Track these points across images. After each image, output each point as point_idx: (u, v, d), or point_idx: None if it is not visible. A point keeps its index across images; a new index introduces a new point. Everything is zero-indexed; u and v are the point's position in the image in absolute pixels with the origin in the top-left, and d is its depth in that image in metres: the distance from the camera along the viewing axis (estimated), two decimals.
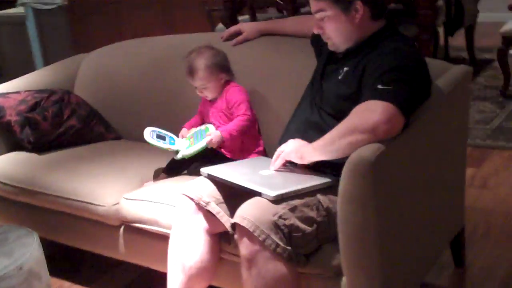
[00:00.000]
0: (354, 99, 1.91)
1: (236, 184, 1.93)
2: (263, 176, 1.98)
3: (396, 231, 1.89)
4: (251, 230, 1.77)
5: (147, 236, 2.30)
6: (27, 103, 2.84)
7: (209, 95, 2.41)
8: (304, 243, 1.83)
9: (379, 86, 1.80)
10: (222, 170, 2.05)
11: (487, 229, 2.72)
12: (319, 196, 1.90)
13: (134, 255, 2.40)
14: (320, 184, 1.92)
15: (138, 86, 2.95)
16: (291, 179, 1.97)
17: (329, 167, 1.96)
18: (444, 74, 2.21)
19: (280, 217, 1.79)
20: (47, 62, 5.40)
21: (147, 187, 2.37)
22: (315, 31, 2.12)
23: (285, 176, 1.99)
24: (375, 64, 1.90)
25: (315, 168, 2.00)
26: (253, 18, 4.73)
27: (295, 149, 1.95)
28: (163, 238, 2.18)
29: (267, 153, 2.41)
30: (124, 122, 2.98)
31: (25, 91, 2.92)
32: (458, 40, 5.37)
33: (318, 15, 2.05)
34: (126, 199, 2.32)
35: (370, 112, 1.76)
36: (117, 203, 2.35)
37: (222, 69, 2.40)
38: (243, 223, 1.78)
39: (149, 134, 2.37)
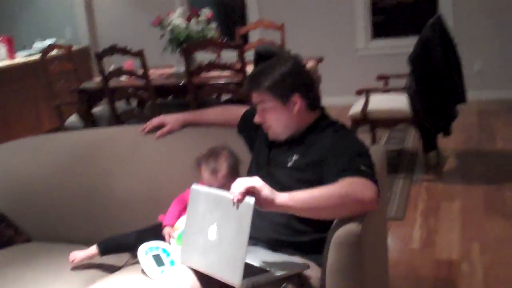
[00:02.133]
0: (312, 182, 2.07)
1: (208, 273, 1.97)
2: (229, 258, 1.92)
3: None
4: None
5: None
6: None
7: None
8: None
9: (363, 168, 2.00)
10: (194, 258, 2.05)
11: None
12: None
13: None
14: (294, 270, 2.02)
15: (45, 184, 2.84)
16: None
17: (295, 247, 2.11)
18: None
19: None
20: None
21: (100, 284, 2.29)
22: (257, 121, 2.29)
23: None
24: (339, 147, 2.12)
25: (277, 248, 2.13)
26: (112, 110, 4.76)
27: (267, 186, 1.89)
28: None
29: None
30: (32, 223, 2.84)
31: None
32: None
33: (259, 106, 2.25)
34: None
35: (366, 188, 1.96)
36: None
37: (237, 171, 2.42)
38: None
39: (144, 253, 2.31)
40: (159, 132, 2.74)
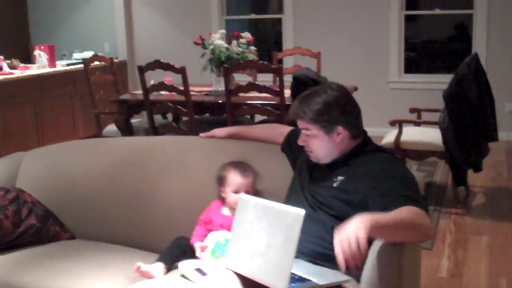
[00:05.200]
0: (357, 204, 2.17)
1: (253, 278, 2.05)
2: (276, 265, 2.01)
3: None
4: None
5: None
6: None
7: None
8: None
9: (418, 198, 2.07)
10: (239, 263, 2.15)
11: None
12: None
13: None
14: (335, 281, 2.10)
15: (92, 186, 2.95)
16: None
17: (335, 261, 2.16)
18: None
19: None
20: None
21: (143, 282, 2.37)
22: (300, 143, 2.39)
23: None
24: (387, 174, 2.18)
25: (318, 262, 2.21)
26: (151, 122, 4.88)
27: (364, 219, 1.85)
28: None
29: None
30: (76, 221, 2.95)
31: None
32: None
33: (303, 132, 2.35)
34: None
35: (426, 219, 2.02)
36: None
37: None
38: None
39: (186, 267, 2.36)
40: (202, 134, 2.92)
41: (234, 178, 2.53)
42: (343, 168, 2.30)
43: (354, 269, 1.90)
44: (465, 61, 4.55)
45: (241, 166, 2.57)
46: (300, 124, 2.34)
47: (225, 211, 2.57)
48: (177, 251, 2.51)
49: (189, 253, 2.49)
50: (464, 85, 4.42)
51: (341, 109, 2.29)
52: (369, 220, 1.85)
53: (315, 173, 2.39)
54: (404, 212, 1.98)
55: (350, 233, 1.82)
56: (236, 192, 2.51)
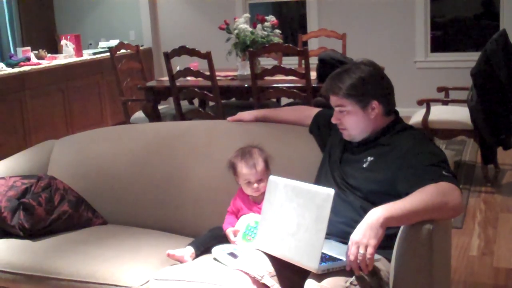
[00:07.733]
0: (385, 183, 2.19)
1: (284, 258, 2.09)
2: (307, 244, 2.05)
3: None
4: None
5: None
6: (17, 189, 2.79)
7: (263, 189, 2.45)
8: None
9: (444, 173, 2.06)
10: (270, 244, 2.17)
11: None
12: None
13: None
14: None
15: (122, 172, 2.99)
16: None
17: None
18: None
19: (351, 283, 1.98)
20: None
21: (175, 266, 2.42)
22: (333, 121, 2.38)
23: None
24: (415, 151, 2.18)
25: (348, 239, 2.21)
26: (178, 108, 4.91)
27: (367, 230, 1.93)
28: None
29: None
30: (108, 207, 2.99)
31: (10, 176, 2.87)
32: None
33: (337, 109, 2.34)
34: (158, 279, 2.35)
35: (456, 195, 2.01)
36: (144, 284, 2.37)
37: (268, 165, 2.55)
38: None
39: (219, 252, 2.42)
40: (229, 117, 2.92)
41: (242, 170, 2.53)
42: (373, 148, 2.31)
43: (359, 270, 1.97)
44: (493, 37, 4.49)
45: (248, 156, 2.53)
46: (334, 100, 2.33)
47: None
48: (211, 238, 2.55)
49: (223, 241, 2.52)
50: (493, 62, 4.37)
51: (376, 83, 2.31)
52: (384, 218, 1.92)
53: (345, 154, 2.40)
54: (428, 192, 1.98)
55: (363, 239, 1.92)
56: (248, 183, 2.52)
